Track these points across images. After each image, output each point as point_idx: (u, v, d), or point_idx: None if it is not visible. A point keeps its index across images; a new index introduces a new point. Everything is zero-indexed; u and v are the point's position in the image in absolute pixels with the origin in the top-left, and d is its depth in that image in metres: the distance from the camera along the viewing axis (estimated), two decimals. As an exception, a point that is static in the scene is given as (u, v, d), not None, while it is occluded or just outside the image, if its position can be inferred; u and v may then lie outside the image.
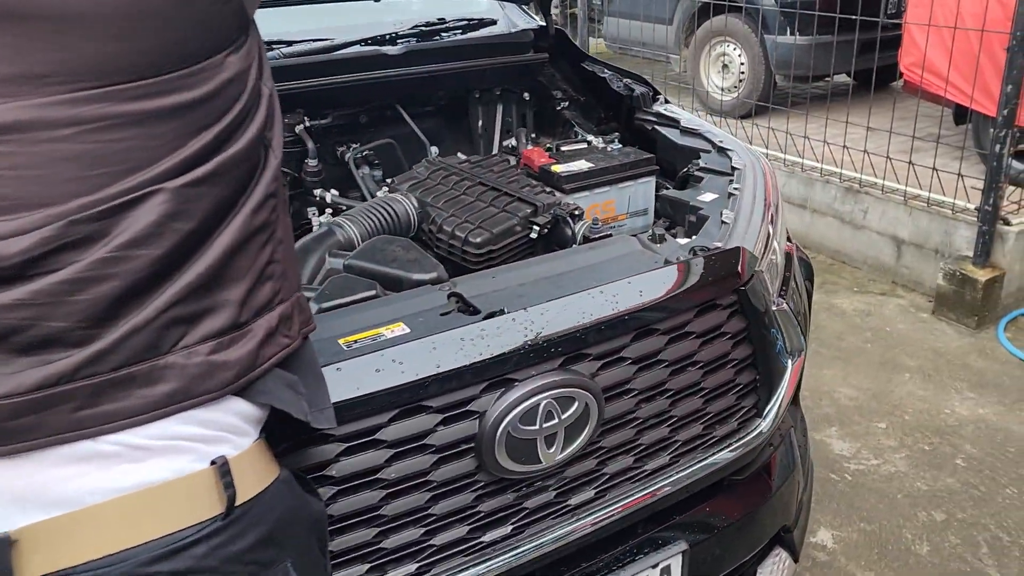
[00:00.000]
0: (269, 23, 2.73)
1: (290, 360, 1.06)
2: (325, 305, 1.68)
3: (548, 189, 2.24)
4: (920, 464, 3.32)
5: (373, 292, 1.72)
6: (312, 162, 2.38)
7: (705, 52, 7.51)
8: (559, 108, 2.86)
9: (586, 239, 2.01)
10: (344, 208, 2.28)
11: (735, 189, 2.09)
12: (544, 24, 2.86)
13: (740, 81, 7.28)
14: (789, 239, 2.31)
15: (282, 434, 1.11)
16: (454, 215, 2.05)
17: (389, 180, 2.29)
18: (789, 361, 1.91)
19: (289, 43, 2.52)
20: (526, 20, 2.96)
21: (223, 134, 0.95)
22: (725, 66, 7.42)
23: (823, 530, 2.98)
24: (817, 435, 3.49)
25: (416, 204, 2.11)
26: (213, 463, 0.94)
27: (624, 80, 2.75)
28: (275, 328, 1.01)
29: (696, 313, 1.69)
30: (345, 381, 1.34)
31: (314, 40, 2.57)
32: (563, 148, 2.55)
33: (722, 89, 7.35)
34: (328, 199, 2.42)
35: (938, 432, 3.53)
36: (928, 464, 3.32)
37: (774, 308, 1.89)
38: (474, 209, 2.08)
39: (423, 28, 2.77)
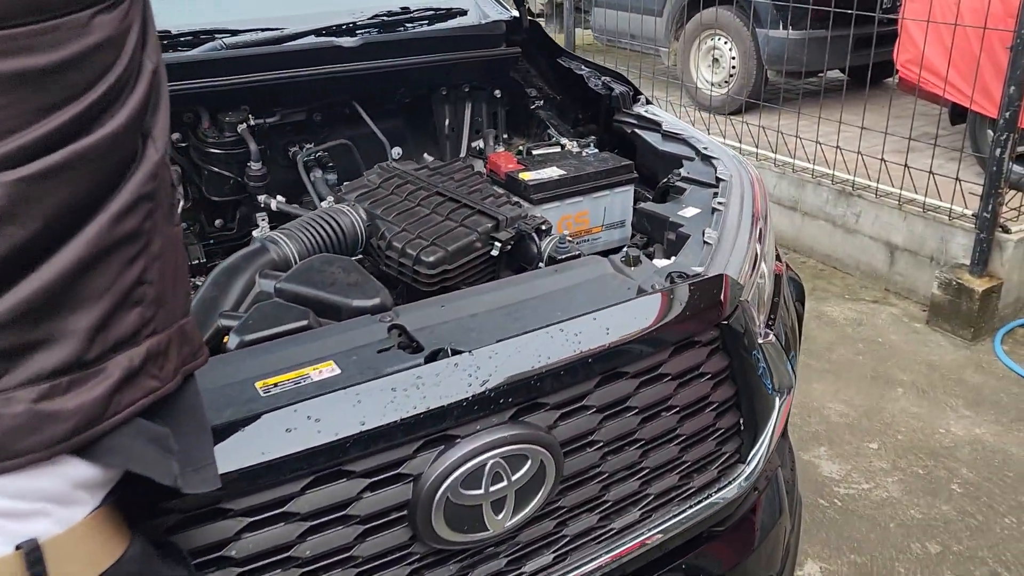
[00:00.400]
0: (210, 9, 2.51)
1: (161, 407, 0.85)
2: (247, 338, 1.46)
3: (515, 199, 2.02)
4: (914, 489, 3.13)
5: (305, 322, 1.50)
6: (255, 165, 2.15)
7: (695, 46, 7.29)
8: (533, 107, 2.64)
9: (552, 260, 1.79)
10: (294, 215, 2.06)
11: (720, 204, 1.88)
12: (517, 15, 2.64)
13: (731, 76, 7.06)
14: (779, 257, 2.10)
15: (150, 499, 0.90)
16: (406, 230, 1.83)
17: (337, 188, 2.07)
18: (777, 400, 1.70)
19: (233, 32, 2.28)
20: (498, 11, 2.73)
21: (84, 116, 0.74)
22: (716, 60, 7.20)
23: (811, 562, 2.79)
24: (805, 455, 3.30)
25: (364, 216, 1.89)
26: (19, 547, 0.73)
27: (603, 78, 2.53)
28: (139, 367, 0.80)
29: (671, 352, 1.48)
30: (247, 445, 1.12)
31: (262, 30, 2.33)
32: (534, 152, 2.34)
33: (712, 84, 7.13)
34: (273, 206, 2.20)
35: (932, 454, 3.34)
36: (922, 490, 3.13)
37: (761, 342, 1.68)
38: (429, 223, 1.86)
39: (384, 18, 2.53)
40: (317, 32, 2.39)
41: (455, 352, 1.34)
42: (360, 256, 1.91)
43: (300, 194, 2.26)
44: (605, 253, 2.11)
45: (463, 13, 2.71)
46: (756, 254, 1.77)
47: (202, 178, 2.23)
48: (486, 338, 1.39)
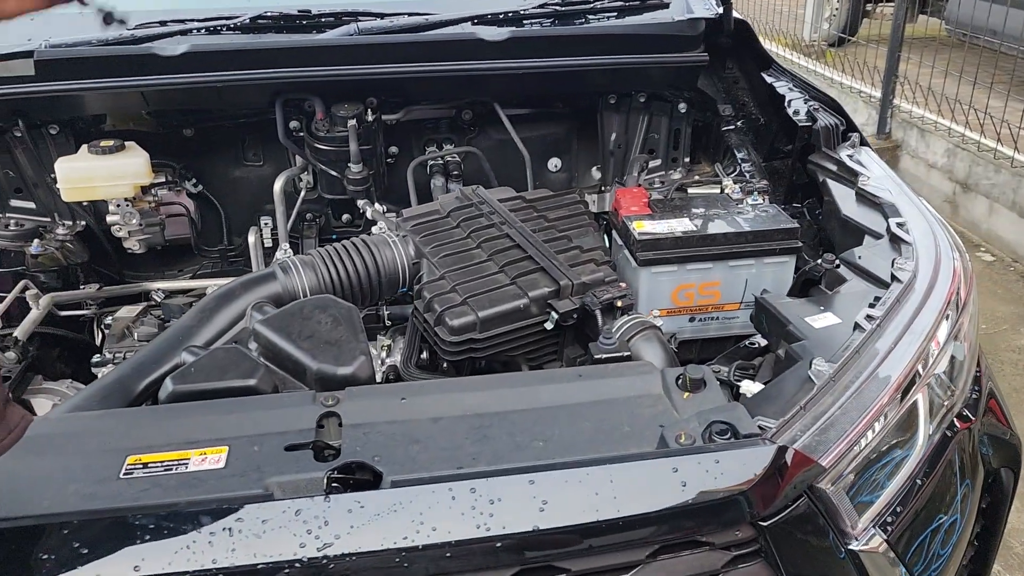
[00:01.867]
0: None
1: None
2: (180, 388, 1.25)
3: (606, 258, 1.59)
4: None
5: (251, 382, 1.27)
6: (355, 167, 1.94)
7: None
8: (725, 128, 2.11)
9: (596, 359, 1.35)
10: (379, 228, 1.82)
11: (870, 318, 1.28)
12: (722, 13, 2.10)
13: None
14: (968, 415, 1.42)
15: None
16: (445, 278, 1.50)
17: (397, 211, 1.78)
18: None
19: (380, 15, 2.07)
20: (706, 5, 2.21)
21: None
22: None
23: None
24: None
25: (412, 252, 1.59)
26: None
27: (809, 104, 1.93)
28: None
29: (653, 552, 1.00)
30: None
31: (410, 14, 2.09)
32: (683, 191, 1.85)
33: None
34: (368, 213, 1.98)
35: None
36: None
37: (859, 548, 1.11)
38: (477, 273, 1.51)
39: (558, 7, 2.15)
40: (473, 20, 2.09)
41: (361, 483, 1.02)
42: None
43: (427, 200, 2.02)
44: (739, 340, 1.61)
45: (664, 6, 2.23)
46: (886, 415, 1.17)
47: (315, 175, 2.07)
48: (424, 462, 1.05)
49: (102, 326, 1.88)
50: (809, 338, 1.30)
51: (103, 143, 1.88)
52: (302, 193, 2.14)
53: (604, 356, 1.32)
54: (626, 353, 1.34)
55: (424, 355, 1.59)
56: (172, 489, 1.04)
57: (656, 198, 1.76)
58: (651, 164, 2.13)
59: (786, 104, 1.94)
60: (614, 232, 1.76)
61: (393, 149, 2.14)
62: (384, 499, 0.97)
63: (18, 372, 1.62)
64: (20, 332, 1.68)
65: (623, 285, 1.49)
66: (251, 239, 2.06)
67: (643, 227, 1.64)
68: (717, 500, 0.99)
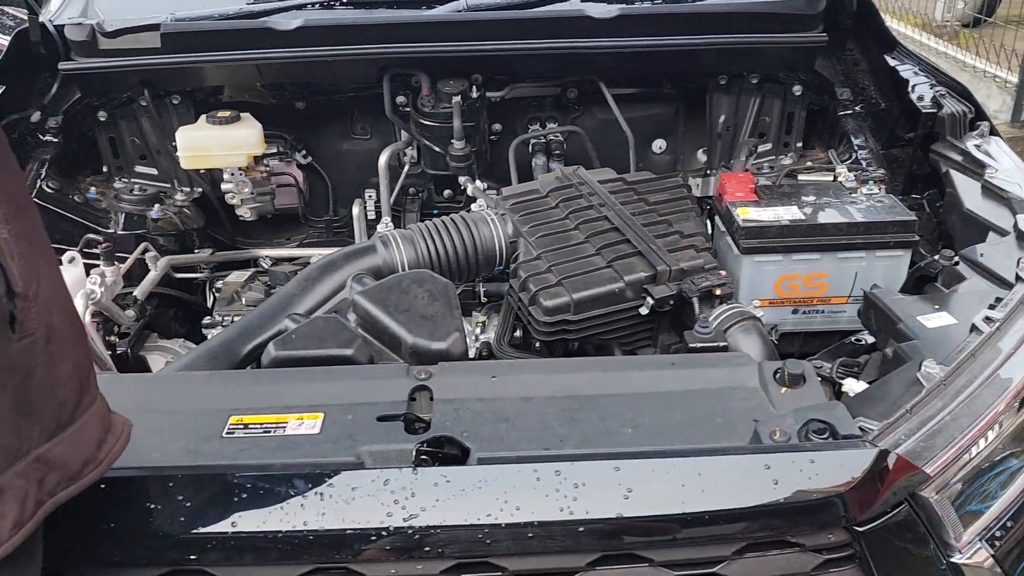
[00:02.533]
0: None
1: None
2: (282, 354, 1.30)
3: (707, 244, 1.55)
4: None
5: (348, 352, 1.30)
6: (458, 144, 1.95)
7: None
8: (842, 113, 2.02)
9: (690, 347, 1.32)
10: (478, 205, 1.84)
11: (989, 321, 1.21)
12: (846, -10, 1.99)
13: None
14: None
15: None
16: (542, 257, 1.49)
17: (495, 189, 1.78)
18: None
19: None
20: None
21: None
22: None
23: None
24: None
25: (510, 231, 1.59)
26: None
27: (936, 89, 1.82)
28: None
29: (740, 549, 0.98)
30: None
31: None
32: (793, 178, 1.78)
33: None
34: (469, 190, 1.99)
35: None
36: None
37: (960, 561, 1.06)
38: (574, 255, 1.49)
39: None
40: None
41: (448, 458, 1.04)
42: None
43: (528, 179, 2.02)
44: (844, 336, 1.56)
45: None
46: (1001, 422, 1.10)
47: (419, 150, 2.10)
48: (512, 441, 1.06)
49: (213, 289, 1.97)
50: (920, 338, 1.23)
51: (220, 114, 1.96)
52: (406, 167, 2.18)
53: (699, 345, 1.29)
54: (722, 343, 1.30)
55: (518, 333, 1.59)
56: (269, 451, 1.08)
57: (764, 184, 1.70)
58: (760, 148, 2.06)
59: (909, 89, 1.83)
60: (717, 218, 1.72)
61: (496, 126, 2.14)
62: (470, 475, 0.98)
63: (136, 330, 1.72)
64: (139, 292, 1.78)
65: (723, 273, 1.45)
66: (355, 211, 2.10)
67: (748, 214, 1.59)
68: (810, 501, 0.95)
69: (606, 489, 0.95)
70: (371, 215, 2.18)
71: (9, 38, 1.97)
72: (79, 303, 1.51)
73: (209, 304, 2.10)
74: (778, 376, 1.15)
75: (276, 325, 1.42)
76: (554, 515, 0.94)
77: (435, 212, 2.25)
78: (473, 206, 1.74)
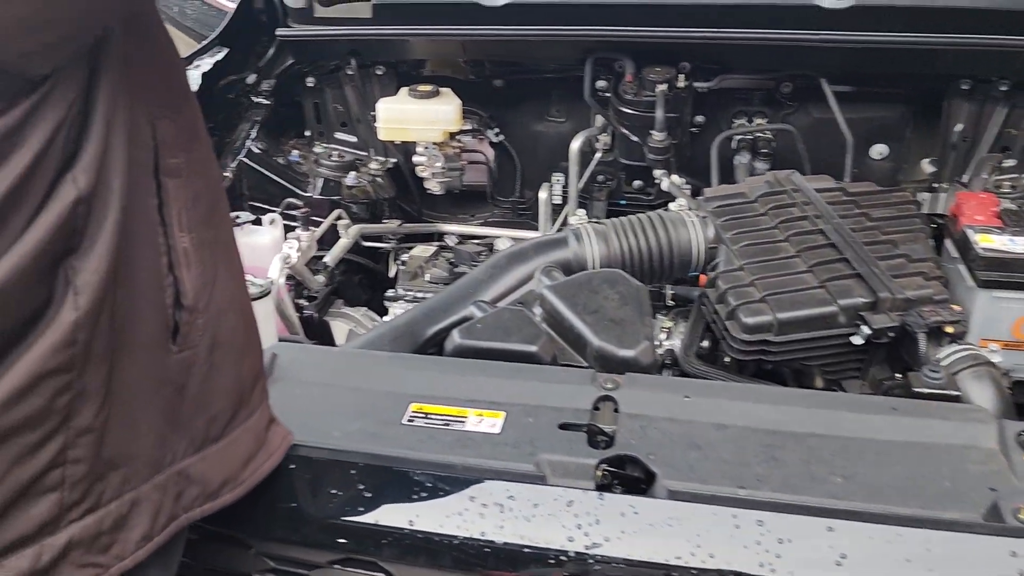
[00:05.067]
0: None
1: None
2: (465, 343, 1.27)
3: (937, 272, 1.37)
4: None
5: (532, 348, 1.25)
6: (658, 136, 1.85)
7: None
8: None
9: (915, 392, 1.16)
10: (678, 204, 1.73)
11: None
12: None
13: None
14: None
15: None
16: (744, 269, 1.38)
17: (698, 188, 1.65)
18: None
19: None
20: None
21: None
22: None
23: None
24: None
25: (710, 235, 1.48)
26: None
27: None
28: (52, 561, 0.66)
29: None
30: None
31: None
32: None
33: None
34: (664, 184, 1.89)
35: None
36: None
37: None
38: (782, 270, 1.37)
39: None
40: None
41: (632, 483, 0.97)
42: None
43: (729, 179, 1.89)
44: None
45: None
46: None
47: (614, 137, 2.02)
48: (703, 472, 0.98)
49: (398, 261, 1.98)
50: None
51: (420, 88, 1.96)
52: (597, 154, 2.10)
53: (927, 391, 1.14)
54: (955, 392, 1.14)
55: (705, 344, 1.50)
56: (448, 445, 1.05)
57: (1009, 207, 1.49)
58: (1004, 164, 1.81)
59: None
60: (947, 242, 1.52)
61: (699, 118, 2.02)
62: (661, 510, 0.90)
63: (323, 295, 1.76)
64: (330, 258, 1.82)
65: (956, 308, 1.28)
66: (542, 195, 2.05)
67: (989, 241, 1.40)
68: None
69: (816, 551, 0.84)
70: (556, 200, 2.13)
71: (235, 3, 2.05)
72: (276, 266, 1.55)
73: (391, 274, 2.13)
74: (1022, 439, 0.99)
75: (461, 310, 1.39)
76: (753, 569, 0.84)
77: (622, 203, 2.16)
78: (672, 205, 1.64)
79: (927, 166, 2.02)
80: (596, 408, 1.10)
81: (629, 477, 1.00)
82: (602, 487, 0.98)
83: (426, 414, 1.11)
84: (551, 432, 1.06)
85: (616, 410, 1.09)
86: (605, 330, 1.26)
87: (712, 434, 1.05)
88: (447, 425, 1.09)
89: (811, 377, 1.38)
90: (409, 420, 1.10)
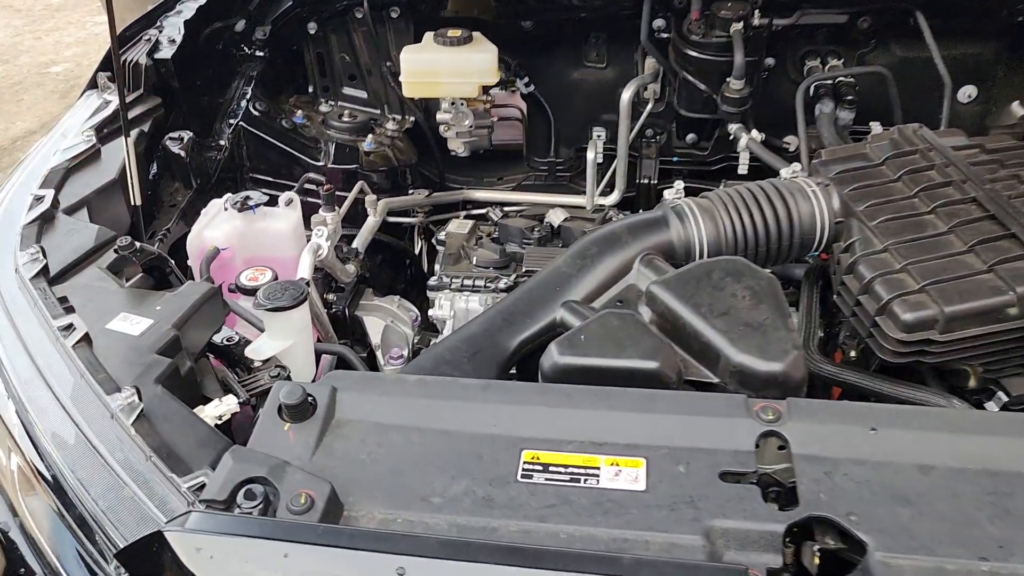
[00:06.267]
0: None
1: None
2: (567, 361, 1.02)
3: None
4: None
5: (653, 365, 1.00)
6: (736, 83, 1.58)
7: None
8: None
9: None
10: (791, 170, 1.46)
11: None
12: None
13: None
14: None
15: None
16: (889, 251, 1.14)
17: (817, 154, 1.39)
18: None
19: None
20: None
21: None
22: None
23: None
24: None
25: (836, 208, 1.23)
26: None
27: None
28: None
29: None
30: None
31: None
32: None
33: None
34: (743, 141, 1.63)
35: None
36: None
37: None
38: (936, 249, 1.13)
39: None
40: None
41: (829, 552, 0.74)
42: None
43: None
44: None
45: None
46: None
47: (674, 83, 1.74)
48: (924, 537, 0.75)
49: (435, 239, 1.70)
50: None
51: (450, 33, 1.66)
52: (648, 105, 1.83)
53: None
54: None
55: (820, 333, 1.27)
56: (586, 512, 0.81)
57: None
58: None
59: None
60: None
61: (769, 60, 1.76)
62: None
63: (350, 285, 1.49)
64: (359, 243, 1.54)
65: None
66: (589, 155, 1.78)
67: None
68: None
69: None
70: (599, 158, 1.86)
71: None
72: (306, 263, 1.27)
73: (416, 251, 1.86)
74: None
75: (548, 314, 1.14)
76: None
77: (675, 160, 1.91)
78: (783, 171, 1.39)
79: (1017, 108, 1.80)
80: (756, 445, 0.87)
81: (830, 551, 0.78)
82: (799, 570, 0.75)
83: (544, 465, 0.87)
84: (711, 484, 0.83)
85: (782, 448, 0.86)
86: (743, 338, 1.01)
87: (918, 480, 0.82)
88: (576, 481, 0.85)
89: (964, 375, 1.16)
90: (525, 475, 0.85)
